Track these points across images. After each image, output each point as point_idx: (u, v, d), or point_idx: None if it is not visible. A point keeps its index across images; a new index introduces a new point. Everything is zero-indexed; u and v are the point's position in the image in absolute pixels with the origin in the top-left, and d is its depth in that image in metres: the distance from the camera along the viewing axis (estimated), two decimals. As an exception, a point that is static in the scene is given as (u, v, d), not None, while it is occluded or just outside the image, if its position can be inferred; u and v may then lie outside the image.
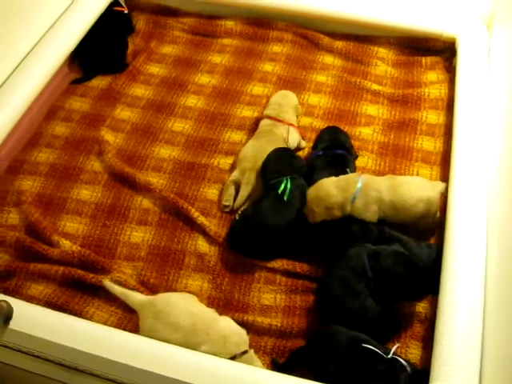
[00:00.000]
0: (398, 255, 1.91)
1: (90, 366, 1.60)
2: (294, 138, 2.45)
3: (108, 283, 1.99)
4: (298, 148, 2.49)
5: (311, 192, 2.11)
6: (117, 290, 1.96)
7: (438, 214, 2.14)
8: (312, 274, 2.08)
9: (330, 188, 2.06)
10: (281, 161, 2.23)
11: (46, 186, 2.38)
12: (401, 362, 1.71)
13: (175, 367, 1.58)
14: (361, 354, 1.74)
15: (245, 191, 2.28)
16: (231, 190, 2.30)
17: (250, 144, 2.41)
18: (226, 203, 2.29)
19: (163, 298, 1.88)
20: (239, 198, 2.28)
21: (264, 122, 2.48)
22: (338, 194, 2.05)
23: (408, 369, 1.71)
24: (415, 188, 2.08)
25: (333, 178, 2.11)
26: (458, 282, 1.86)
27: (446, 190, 2.17)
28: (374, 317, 1.88)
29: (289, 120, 2.48)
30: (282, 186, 2.13)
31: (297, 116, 2.56)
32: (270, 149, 2.29)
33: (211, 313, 1.86)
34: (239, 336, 1.81)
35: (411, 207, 2.06)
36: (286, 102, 2.53)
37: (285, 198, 2.11)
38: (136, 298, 1.91)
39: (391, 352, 1.73)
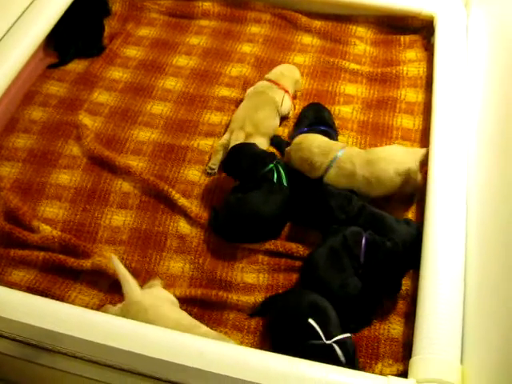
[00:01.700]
0: (392, 254, 1.91)
1: (72, 349, 1.60)
2: (286, 105, 2.48)
3: (116, 260, 1.85)
4: (286, 116, 2.52)
5: (298, 139, 2.20)
6: (121, 270, 1.83)
7: (420, 176, 2.17)
8: (294, 253, 2.09)
9: (313, 144, 2.15)
10: (255, 154, 2.19)
11: (25, 171, 2.35)
12: (336, 353, 1.70)
13: (158, 347, 1.58)
14: (307, 325, 1.74)
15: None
16: (219, 155, 2.33)
17: (242, 105, 2.46)
18: (213, 166, 2.31)
19: (155, 308, 1.79)
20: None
21: (261, 83, 2.52)
22: (318, 153, 2.13)
23: (343, 359, 1.69)
24: (392, 163, 2.12)
25: (321, 137, 2.19)
26: (438, 257, 1.89)
27: (426, 164, 2.20)
28: (353, 293, 1.89)
29: (286, 87, 2.49)
30: (276, 175, 2.12)
31: (295, 90, 2.57)
32: (260, 109, 2.38)
33: (198, 326, 1.81)
34: (220, 338, 1.76)
35: (387, 182, 2.11)
36: (288, 73, 2.55)
37: (285, 184, 2.12)
38: (135, 291, 1.80)
39: (333, 339, 1.72)
